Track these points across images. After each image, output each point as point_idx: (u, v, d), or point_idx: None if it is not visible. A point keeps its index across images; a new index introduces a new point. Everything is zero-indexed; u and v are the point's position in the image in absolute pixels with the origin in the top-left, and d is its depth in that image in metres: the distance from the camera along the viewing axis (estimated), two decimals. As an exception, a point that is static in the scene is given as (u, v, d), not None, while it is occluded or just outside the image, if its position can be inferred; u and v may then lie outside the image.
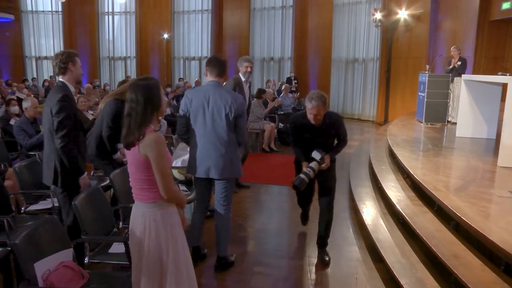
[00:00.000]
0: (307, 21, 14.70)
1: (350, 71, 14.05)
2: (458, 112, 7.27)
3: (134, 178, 2.29)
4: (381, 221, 4.42)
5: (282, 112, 9.70)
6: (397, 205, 4.32)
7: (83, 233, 2.81)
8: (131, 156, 2.24)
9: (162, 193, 2.22)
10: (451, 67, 8.39)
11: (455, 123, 7.93)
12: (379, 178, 5.44)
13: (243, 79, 5.23)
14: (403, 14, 12.11)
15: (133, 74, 16.58)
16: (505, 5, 9.17)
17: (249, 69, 5.20)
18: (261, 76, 15.60)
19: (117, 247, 2.86)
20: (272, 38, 15.24)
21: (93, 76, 16.57)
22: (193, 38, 16.36)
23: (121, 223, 3.37)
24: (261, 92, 8.52)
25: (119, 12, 17.23)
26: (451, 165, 5.28)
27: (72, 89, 3.22)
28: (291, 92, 11.04)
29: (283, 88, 10.62)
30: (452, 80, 8.32)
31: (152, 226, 2.26)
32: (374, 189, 5.54)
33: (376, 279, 3.49)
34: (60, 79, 3.18)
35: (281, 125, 8.99)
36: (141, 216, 2.29)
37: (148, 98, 2.18)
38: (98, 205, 3.05)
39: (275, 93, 11.11)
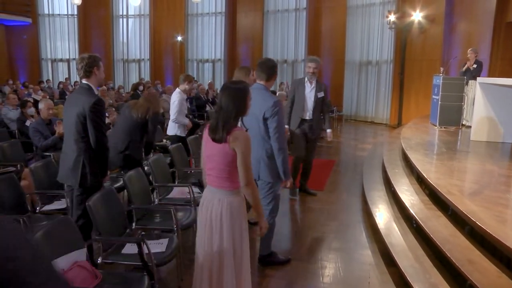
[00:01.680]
0: (321, 23, 14.67)
1: (363, 73, 13.98)
2: (473, 115, 7.17)
3: (215, 167, 2.49)
4: (394, 225, 4.38)
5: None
6: (410, 209, 4.28)
7: (96, 233, 2.84)
8: (216, 148, 2.44)
9: (243, 184, 2.45)
10: (464, 69, 8.29)
11: (470, 127, 7.83)
12: (392, 181, 5.39)
13: (306, 80, 5.23)
14: (417, 16, 12.00)
15: (146, 77, 16.72)
16: (523, 8, 9.05)
17: (311, 70, 5.15)
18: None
19: (130, 248, 2.89)
20: (286, 40, 15.25)
21: (107, 78, 16.72)
22: (207, 41, 16.42)
23: (134, 224, 3.39)
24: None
25: (133, 15, 17.42)
26: (465, 169, 5.21)
27: (96, 92, 3.32)
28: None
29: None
30: (467, 83, 8.21)
31: (228, 211, 2.47)
32: (387, 192, 5.50)
33: (388, 283, 3.46)
34: (85, 82, 3.26)
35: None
36: (218, 200, 2.49)
37: (236, 101, 2.42)
38: (112, 206, 3.09)
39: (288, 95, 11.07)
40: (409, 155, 5.93)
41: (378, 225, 4.42)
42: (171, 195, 4.13)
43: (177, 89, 5.65)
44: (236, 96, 2.44)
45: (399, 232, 4.17)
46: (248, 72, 4.16)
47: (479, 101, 6.76)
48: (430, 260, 3.46)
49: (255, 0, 14.39)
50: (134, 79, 16.84)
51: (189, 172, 4.82)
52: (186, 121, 5.68)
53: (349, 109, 14.24)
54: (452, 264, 3.06)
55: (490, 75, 9.37)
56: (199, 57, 16.73)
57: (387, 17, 12.48)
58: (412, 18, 12.09)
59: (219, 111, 2.45)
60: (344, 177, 7.00)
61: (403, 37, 12.53)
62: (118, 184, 4.21)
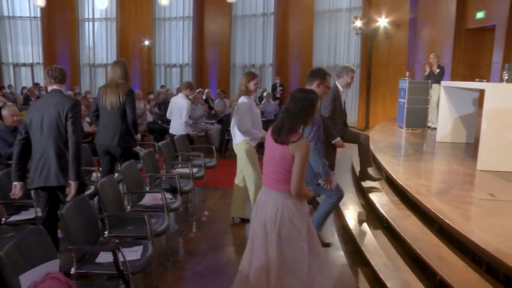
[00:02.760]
0: (288, 28, 14.84)
1: (331, 77, 14.20)
2: (438, 117, 7.43)
3: (273, 169, 2.57)
4: (366, 225, 4.48)
5: (264, 119, 9.71)
6: (380, 209, 4.39)
7: (69, 242, 2.76)
8: (278, 150, 2.51)
9: (293, 191, 2.51)
10: (427, 73, 8.58)
11: (435, 128, 8.12)
12: (362, 183, 5.51)
13: (341, 89, 4.96)
14: (383, 22, 12.36)
15: (113, 81, 16.33)
16: (479, 15, 9.48)
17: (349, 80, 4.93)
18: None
19: (105, 257, 2.83)
20: (254, 45, 15.32)
21: (74, 83, 16.31)
22: (174, 45, 16.25)
23: (106, 232, 3.33)
24: None
25: (99, 18, 17.05)
26: (432, 170, 5.38)
27: None
28: (276, 98, 11.08)
29: (265, 95, 10.64)
30: (431, 86, 8.50)
31: (285, 213, 2.52)
32: (357, 194, 5.62)
33: (362, 282, 3.54)
34: (57, 87, 3.40)
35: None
36: (272, 202, 2.56)
37: (303, 110, 2.51)
38: (85, 214, 3.01)
39: (257, 100, 11.14)
40: (378, 157, 6.08)
41: (349, 225, 4.51)
42: (143, 202, 4.08)
43: (181, 94, 6.58)
44: (305, 104, 2.52)
45: (370, 232, 4.27)
46: (252, 77, 4.43)
47: (443, 104, 7.01)
48: (401, 258, 3.56)
49: (223, 5, 14.35)
50: (101, 84, 16.42)
51: (160, 178, 4.78)
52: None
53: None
54: (422, 261, 3.16)
55: (452, 79, 9.75)
56: (166, 61, 16.54)
57: (354, 22, 12.79)
58: (378, 23, 12.44)
59: (286, 114, 2.53)
60: None
61: (369, 42, 12.86)
62: (89, 192, 4.12)
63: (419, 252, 3.22)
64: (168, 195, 4.13)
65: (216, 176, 6.20)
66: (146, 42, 16.06)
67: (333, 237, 4.56)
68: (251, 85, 4.49)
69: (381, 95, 12.98)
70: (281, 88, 13.35)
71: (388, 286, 3.10)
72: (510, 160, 5.04)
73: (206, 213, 5.35)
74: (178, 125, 6.51)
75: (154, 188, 4.48)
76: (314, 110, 2.57)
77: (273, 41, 14.82)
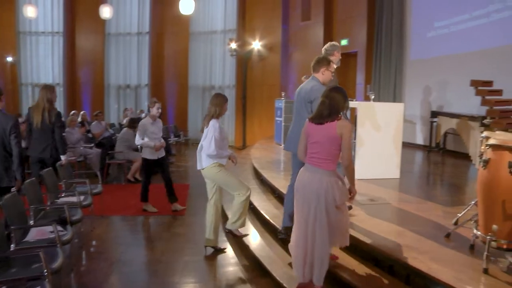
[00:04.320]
0: (164, 48, 14.76)
1: (207, 98, 14.42)
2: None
3: (322, 150, 3.09)
4: (260, 239, 4.71)
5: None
6: (272, 221, 4.70)
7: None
8: (325, 134, 3.06)
9: (345, 162, 3.08)
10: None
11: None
12: (251, 199, 5.78)
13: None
14: (256, 44, 13.15)
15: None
16: (343, 42, 10.83)
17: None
18: (117, 104, 14.96)
19: None
20: (129, 65, 14.82)
21: None
22: (43, 63, 14.72)
23: (13, 245, 3.05)
24: (134, 121, 8.20)
25: None
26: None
27: None
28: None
29: (143, 116, 10.37)
30: (304, 106, 9.29)
31: (329, 188, 3.04)
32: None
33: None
34: None
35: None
36: (318, 179, 3.06)
37: (342, 100, 3.11)
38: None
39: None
40: (262, 173, 6.46)
41: (245, 241, 4.69)
42: (28, 238, 3.68)
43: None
44: (342, 96, 3.12)
45: (265, 244, 4.51)
46: (226, 100, 4.53)
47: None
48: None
49: (96, 21, 13.62)
50: None
51: (46, 209, 4.38)
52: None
53: (195, 133, 14.09)
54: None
55: (320, 98, 10.81)
56: (34, 80, 14.79)
57: (229, 44, 13.34)
58: (252, 46, 13.19)
59: (324, 104, 3.10)
60: (201, 199, 7.00)
61: (244, 64, 13.53)
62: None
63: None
64: (59, 227, 3.82)
65: (102, 203, 5.89)
66: (9, 59, 14.32)
67: (230, 254, 4.66)
68: (225, 108, 4.52)
69: (257, 114, 13.67)
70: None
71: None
72: (381, 169, 5.88)
73: (94, 243, 5.03)
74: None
75: (39, 221, 4.08)
76: (346, 100, 3.16)
77: (148, 61, 14.56)
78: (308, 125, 3.19)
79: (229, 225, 4.64)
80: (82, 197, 4.78)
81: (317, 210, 3.05)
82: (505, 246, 2.82)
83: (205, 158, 4.42)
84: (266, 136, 12.02)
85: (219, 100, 4.48)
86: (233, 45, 13.21)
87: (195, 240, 5.01)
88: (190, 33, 14.45)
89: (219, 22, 14.12)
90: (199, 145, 4.51)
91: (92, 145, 8.44)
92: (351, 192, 3.19)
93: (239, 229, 4.69)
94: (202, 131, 4.54)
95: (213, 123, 4.41)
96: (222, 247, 4.67)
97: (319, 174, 3.07)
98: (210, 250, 4.61)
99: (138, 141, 6.09)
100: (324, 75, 3.97)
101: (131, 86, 14.91)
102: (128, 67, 14.85)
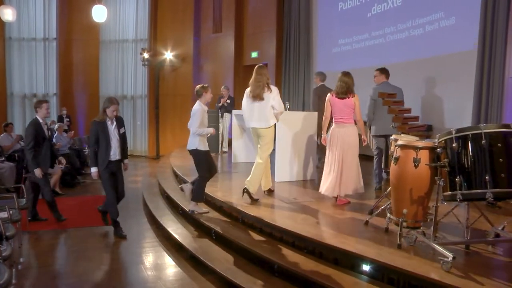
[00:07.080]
0: (72, 56, 14.12)
1: (121, 107, 14.19)
2: (232, 142, 8.60)
3: (346, 113, 4.98)
4: (198, 240, 4.96)
5: (60, 154, 9.07)
6: (207, 223, 5.00)
7: None
8: (346, 104, 4.98)
9: (359, 119, 5.02)
10: (220, 104, 9.76)
11: (226, 152, 9.35)
12: (179, 203, 6.02)
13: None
14: (168, 55, 13.27)
15: None
16: (254, 54, 11.55)
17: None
18: (23, 116, 13.93)
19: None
20: (34, 72, 13.88)
21: None
22: None
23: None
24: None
25: None
26: (241, 185, 6.30)
27: None
28: (64, 131, 10.33)
29: (56, 127, 9.85)
30: (222, 115, 9.71)
31: (351, 134, 4.98)
32: (174, 213, 6.15)
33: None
34: None
35: (61, 166, 8.42)
36: (346, 130, 4.97)
37: (352, 80, 5.07)
38: None
39: (52, 133, 10.22)
40: (188, 180, 6.67)
41: (181, 242, 4.90)
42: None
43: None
44: (351, 78, 5.05)
45: (209, 242, 4.77)
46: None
47: (235, 130, 8.22)
48: (238, 259, 4.20)
49: (-7, 24, 12.58)
50: None
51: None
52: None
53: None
54: (258, 256, 3.92)
55: (235, 108, 11.30)
56: None
57: (141, 54, 13.26)
58: (164, 56, 13.28)
59: (341, 83, 5.00)
60: (128, 210, 6.99)
61: (156, 74, 13.54)
62: None
63: (256, 250, 3.97)
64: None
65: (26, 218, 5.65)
66: None
67: (166, 257, 4.83)
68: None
69: (170, 123, 13.73)
70: (68, 119, 12.53)
71: (237, 283, 3.69)
72: (299, 171, 6.55)
73: (22, 260, 4.81)
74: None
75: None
76: (352, 83, 5.08)
77: (56, 69, 13.78)
78: (332, 98, 5.02)
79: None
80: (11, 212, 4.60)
81: (344, 150, 4.93)
82: (412, 225, 3.51)
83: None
84: (180, 145, 12.13)
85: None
86: (145, 55, 13.17)
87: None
88: (100, 41, 14.02)
89: (131, 31, 13.95)
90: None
91: (3, 159, 7.87)
92: (364, 140, 5.08)
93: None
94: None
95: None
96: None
97: (347, 127, 4.96)
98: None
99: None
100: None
101: (38, 95, 13.96)
102: (34, 75, 13.88)
